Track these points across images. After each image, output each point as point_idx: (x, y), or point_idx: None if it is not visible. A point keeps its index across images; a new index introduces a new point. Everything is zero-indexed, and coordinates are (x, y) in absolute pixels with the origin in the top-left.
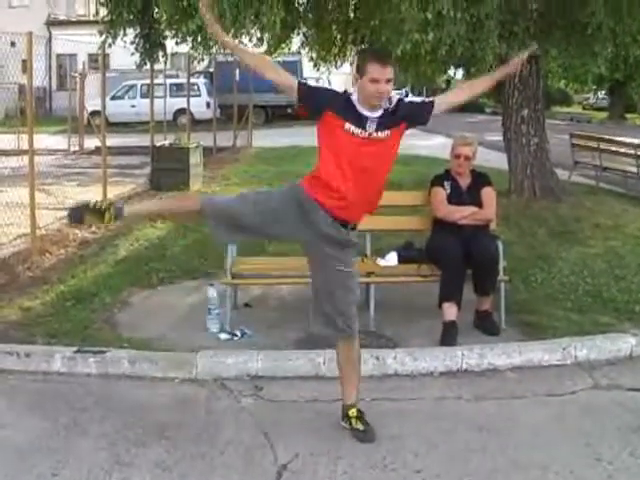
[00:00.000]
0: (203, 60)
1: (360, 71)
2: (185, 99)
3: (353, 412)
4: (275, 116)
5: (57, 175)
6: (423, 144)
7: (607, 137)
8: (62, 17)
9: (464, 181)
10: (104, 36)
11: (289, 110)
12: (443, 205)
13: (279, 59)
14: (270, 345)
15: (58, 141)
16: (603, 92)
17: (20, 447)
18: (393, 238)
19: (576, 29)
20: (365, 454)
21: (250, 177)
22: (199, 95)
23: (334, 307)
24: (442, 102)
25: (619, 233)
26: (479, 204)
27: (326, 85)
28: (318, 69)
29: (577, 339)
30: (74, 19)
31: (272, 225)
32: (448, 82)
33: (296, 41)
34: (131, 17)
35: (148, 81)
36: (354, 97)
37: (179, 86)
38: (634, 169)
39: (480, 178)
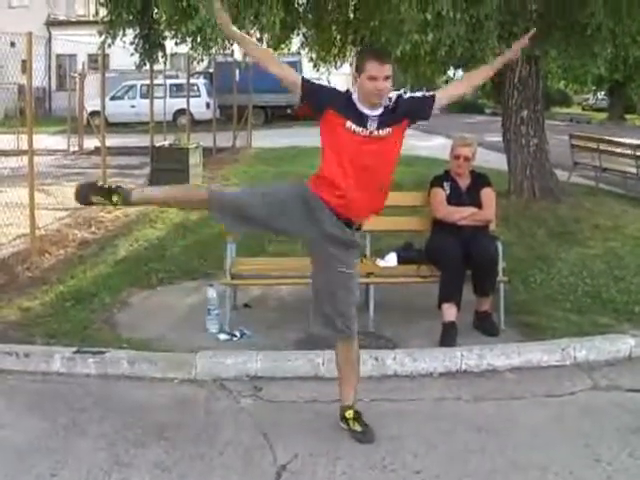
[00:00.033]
0: (203, 61)
1: (359, 70)
2: (185, 99)
3: (350, 414)
4: (275, 117)
5: (56, 175)
6: (423, 145)
7: (607, 138)
8: (62, 17)
9: (464, 182)
10: (104, 36)
11: (288, 111)
12: (443, 206)
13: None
14: (269, 346)
15: (57, 141)
16: (603, 93)
17: (19, 447)
18: (392, 239)
19: (576, 30)
20: (364, 455)
21: (250, 178)
22: (199, 96)
23: (334, 308)
24: (443, 96)
25: (618, 234)
26: (479, 205)
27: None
28: (318, 70)
29: (576, 340)
30: (74, 19)
31: (278, 218)
32: (448, 83)
33: (296, 42)
34: (131, 17)
35: (148, 81)
36: (355, 96)
37: (179, 86)
38: (633, 170)
39: (480, 179)
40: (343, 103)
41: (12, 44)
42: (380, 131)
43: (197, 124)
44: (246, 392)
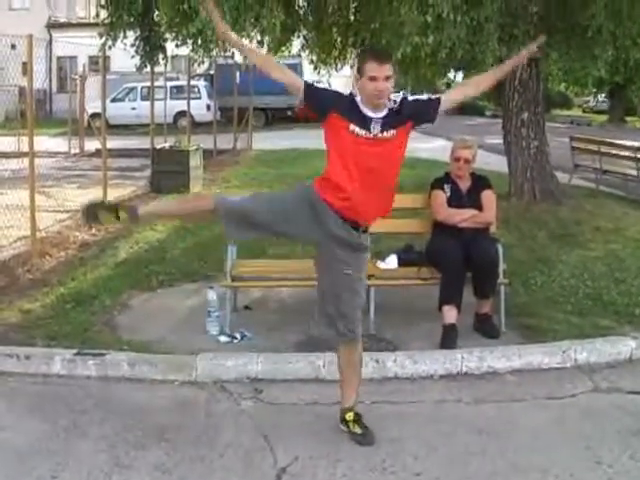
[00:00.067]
0: (203, 63)
1: (360, 71)
2: (185, 101)
3: (350, 416)
4: (275, 119)
5: (57, 177)
6: (423, 147)
7: (607, 140)
8: (62, 20)
9: (464, 184)
10: (104, 38)
11: (289, 113)
12: (443, 208)
13: (279, 62)
14: (270, 348)
15: (58, 143)
16: (603, 95)
17: (20, 449)
18: (393, 241)
19: (576, 32)
20: (364, 457)
21: (250, 179)
22: (199, 98)
23: (337, 309)
24: (448, 99)
25: (619, 236)
26: (479, 207)
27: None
28: (318, 72)
29: (577, 342)
30: (74, 22)
31: (284, 224)
32: (448, 85)
33: (296, 44)
34: (131, 20)
35: (148, 83)
36: (358, 98)
37: (179, 88)
38: (634, 172)
39: (480, 181)
40: (346, 106)
41: (13, 46)
42: (384, 133)
43: (198, 126)
44: (247, 394)
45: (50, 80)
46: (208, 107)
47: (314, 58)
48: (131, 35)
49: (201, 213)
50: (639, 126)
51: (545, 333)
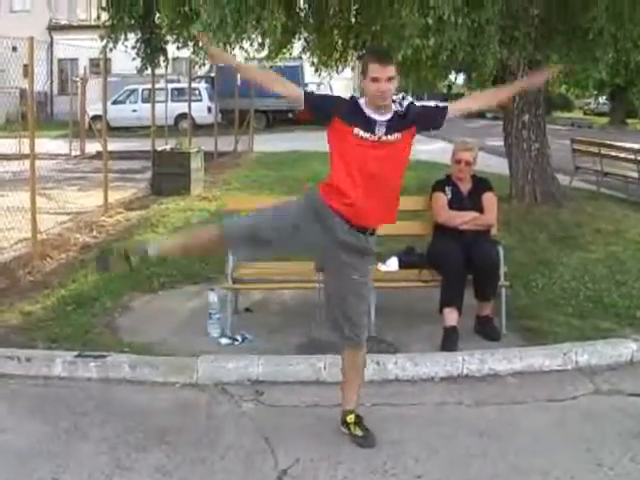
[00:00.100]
0: (204, 65)
1: (363, 73)
2: (186, 104)
3: (351, 418)
4: (276, 121)
5: (58, 179)
6: (423, 149)
7: (608, 142)
8: (63, 22)
9: (465, 186)
10: (105, 41)
11: (290, 115)
12: (444, 210)
13: (280, 64)
14: (271, 350)
15: (59, 145)
16: (604, 97)
17: (21, 451)
18: (394, 243)
19: (577, 34)
20: (365, 459)
21: (251, 182)
22: (200, 100)
23: (343, 314)
24: (455, 108)
25: (620, 238)
26: (480, 209)
27: (327, 90)
28: (319, 74)
29: (578, 344)
30: (75, 24)
31: (291, 240)
32: (449, 87)
33: (297, 46)
34: (132, 22)
35: (149, 86)
36: (361, 101)
37: (180, 91)
38: (635, 174)
39: (481, 183)
40: (349, 110)
41: (14, 48)
42: (389, 136)
43: (199, 128)
44: (248, 396)
45: (51, 82)
46: (209, 109)
47: (315, 60)
48: (132, 37)
49: (210, 241)
50: None
51: (546, 335)
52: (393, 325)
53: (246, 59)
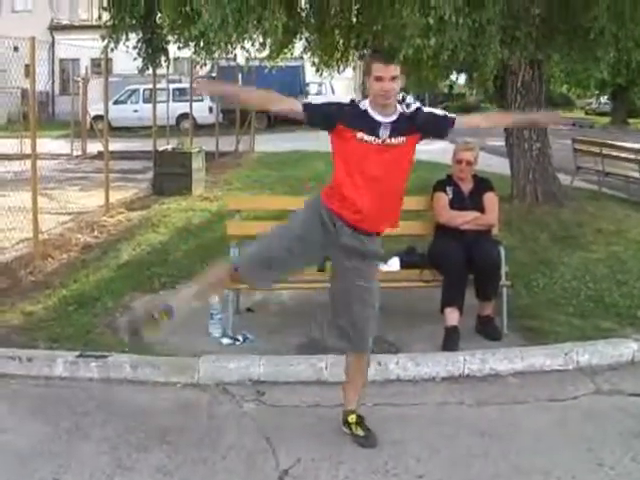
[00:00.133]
0: (206, 65)
1: (366, 73)
2: (188, 104)
3: (352, 418)
4: (277, 121)
5: (60, 180)
6: (424, 149)
7: (609, 142)
8: (65, 22)
9: (466, 186)
10: (107, 41)
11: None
12: (445, 210)
13: (282, 64)
14: (272, 350)
15: (61, 145)
16: (605, 97)
17: (22, 451)
18: (395, 243)
19: (578, 34)
20: (367, 459)
21: (252, 182)
22: (202, 100)
23: (349, 320)
24: (463, 122)
25: (621, 238)
26: (481, 209)
27: (328, 89)
28: (321, 74)
29: (579, 344)
30: (77, 24)
31: (301, 255)
32: (450, 87)
33: (298, 46)
34: (134, 22)
35: (151, 86)
36: (366, 102)
37: (182, 91)
38: (636, 174)
39: (482, 183)
40: (351, 115)
41: (15, 48)
42: (393, 139)
43: (200, 128)
44: (249, 396)
45: (52, 82)
46: (210, 109)
47: (316, 60)
48: (133, 37)
49: (227, 276)
50: None
51: (547, 335)
52: (394, 325)
53: (247, 59)
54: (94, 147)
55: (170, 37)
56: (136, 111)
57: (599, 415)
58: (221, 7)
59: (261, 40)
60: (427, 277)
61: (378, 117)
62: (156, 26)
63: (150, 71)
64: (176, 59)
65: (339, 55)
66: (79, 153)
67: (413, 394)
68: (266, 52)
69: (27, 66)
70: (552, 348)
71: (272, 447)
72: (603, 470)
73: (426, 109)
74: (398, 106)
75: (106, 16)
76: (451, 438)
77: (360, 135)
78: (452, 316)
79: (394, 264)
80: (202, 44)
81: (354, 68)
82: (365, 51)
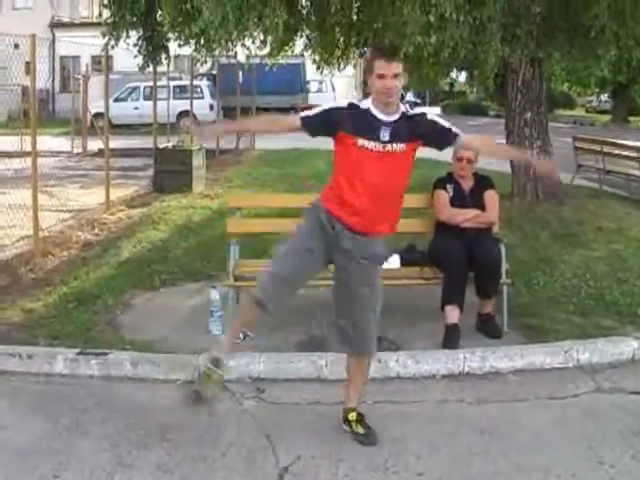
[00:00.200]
0: (206, 62)
1: (369, 70)
2: (188, 101)
3: (353, 416)
4: None
5: (60, 177)
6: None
7: (610, 140)
8: (65, 19)
9: (467, 184)
10: (107, 38)
11: (292, 112)
12: (446, 208)
13: (282, 62)
14: (272, 347)
15: (61, 143)
16: (606, 95)
17: (22, 448)
18: (395, 241)
19: (579, 32)
20: (367, 457)
21: (253, 179)
22: (202, 97)
23: (350, 321)
24: (466, 142)
25: (622, 236)
26: (482, 207)
27: (329, 87)
28: (321, 72)
29: (579, 342)
30: (77, 21)
31: (311, 263)
32: (451, 85)
33: (299, 43)
34: (134, 19)
35: (151, 83)
36: (368, 100)
37: (182, 88)
38: (637, 172)
39: (483, 181)
40: (351, 119)
41: (16, 46)
42: (393, 145)
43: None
44: (249, 394)
45: (53, 80)
46: (211, 107)
47: (317, 58)
48: (134, 35)
49: (254, 314)
50: None
51: (547, 333)
52: (395, 323)
53: (248, 57)
54: (94, 144)
55: (170, 34)
56: (137, 108)
57: (599, 413)
58: (222, 4)
59: (262, 38)
60: (427, 275)
61: (380, 116)
62: (156, 23)
63: (150, 68)
64: (176, 57)
65: (340, 53)
66: (79, 150)
67: (413, 392)
68: (267, 50)
69: (27, 63)
70: (552, 346)
71: (272, 444)
72: (603, 468)
73: (432, 117)
74: (401, 105)
75: (107, 13)
76: (451, 436)
77: (361, 142)
78: (452, 314)
79: (394, 262)
80: (203, 42)
81: (354, 66)
82: (366, 49)
